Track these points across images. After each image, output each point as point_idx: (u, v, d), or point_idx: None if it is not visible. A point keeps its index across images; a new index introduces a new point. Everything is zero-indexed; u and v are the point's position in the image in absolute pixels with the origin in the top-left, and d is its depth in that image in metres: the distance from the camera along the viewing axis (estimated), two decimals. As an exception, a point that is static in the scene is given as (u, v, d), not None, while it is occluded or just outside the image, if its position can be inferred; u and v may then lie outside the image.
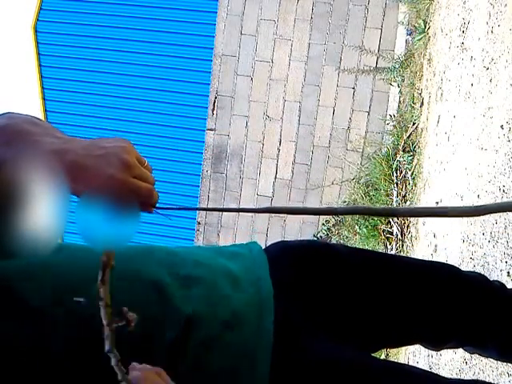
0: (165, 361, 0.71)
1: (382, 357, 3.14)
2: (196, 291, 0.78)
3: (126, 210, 0.66)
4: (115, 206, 0.65)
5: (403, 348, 2.91)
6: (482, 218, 2.10)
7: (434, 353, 2.40)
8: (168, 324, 0.74)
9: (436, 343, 1.00)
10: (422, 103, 3.33)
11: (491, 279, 1.04)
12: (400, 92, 3.71)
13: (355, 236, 3.63)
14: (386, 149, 3.61)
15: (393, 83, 3.74)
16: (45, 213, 0.61)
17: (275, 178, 4.12)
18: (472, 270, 2.11)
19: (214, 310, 0.77)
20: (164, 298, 0.76)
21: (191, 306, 0.76)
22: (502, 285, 1.04)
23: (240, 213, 4.19)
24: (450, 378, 0.91)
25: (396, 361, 2.98)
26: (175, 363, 0.72)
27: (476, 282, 1.00)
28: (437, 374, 0.92)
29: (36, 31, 4.28)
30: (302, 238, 4.00)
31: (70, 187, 0.61)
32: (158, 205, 0.71)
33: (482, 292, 0.99)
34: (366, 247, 3.41)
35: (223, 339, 0.76)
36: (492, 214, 2.01)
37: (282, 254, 0.93)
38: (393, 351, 3.09)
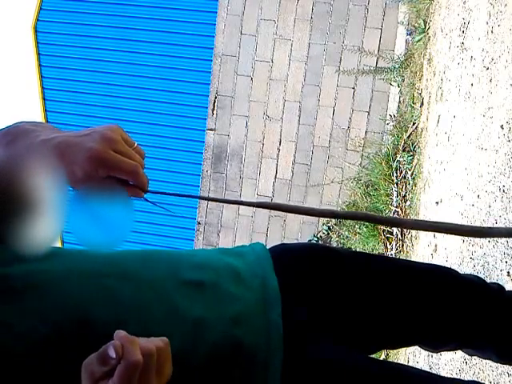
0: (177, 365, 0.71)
1: (382, 357, 3.14)
2: (200, 295, 0.78)
3: (116, 195, 0.67)
4: (107, 196, 0.66)
5: (403, 348, 2.92)
6: (482, 217, 2.10)
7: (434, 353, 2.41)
8: (175, 331, 0.72)
9: (434, 346, 1.01)
10: (422, 103, 3.33)
11: (490, 280, 1.04)
12: (400, 92, 3.71)
13: (355, 236, 3.63)
14: (386, 149, 3.61)
15: (393, 83, 3.73)
16: (45, 210, 0.62)
17: (275, 177, 4.11)
18: (472, 270, 2.11)
19: (220, 312, 0.77)
20: (168, 306, 0.75)
21: (196, 310, 0.75)
22: (500, 287, 1.04)
23: (240, 213, 4.19)
24: (451, 378, 0.91)
25: (396, 362, 2.98)
26: (188, 366, 0.72)
27: (473, 286, 1.00)
28: (437, 375, 0.92)
29: (36, 31, 4.28)
30: (301, 240, 4.01)
31: (59, 167, 0.65)
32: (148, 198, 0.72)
33: (480, 296, 0.99)
34: (366, 247, 3.41)
35: (233, 337, 0.75)
36: (492, 214, 2.01)
37: (284, 256, 0.93)
38: (393, 351, 3.09)
